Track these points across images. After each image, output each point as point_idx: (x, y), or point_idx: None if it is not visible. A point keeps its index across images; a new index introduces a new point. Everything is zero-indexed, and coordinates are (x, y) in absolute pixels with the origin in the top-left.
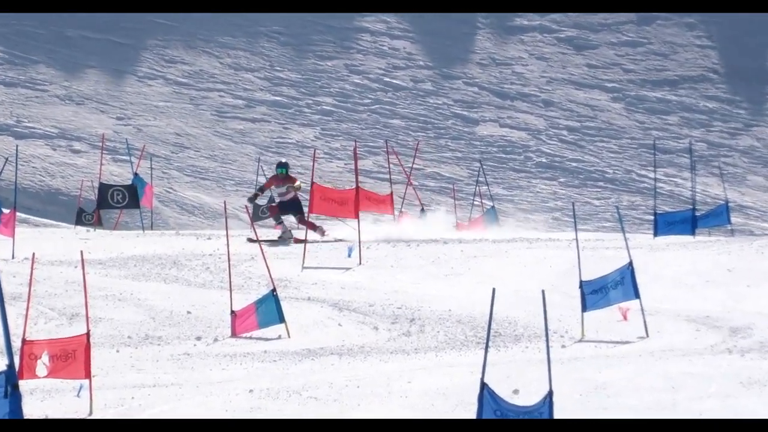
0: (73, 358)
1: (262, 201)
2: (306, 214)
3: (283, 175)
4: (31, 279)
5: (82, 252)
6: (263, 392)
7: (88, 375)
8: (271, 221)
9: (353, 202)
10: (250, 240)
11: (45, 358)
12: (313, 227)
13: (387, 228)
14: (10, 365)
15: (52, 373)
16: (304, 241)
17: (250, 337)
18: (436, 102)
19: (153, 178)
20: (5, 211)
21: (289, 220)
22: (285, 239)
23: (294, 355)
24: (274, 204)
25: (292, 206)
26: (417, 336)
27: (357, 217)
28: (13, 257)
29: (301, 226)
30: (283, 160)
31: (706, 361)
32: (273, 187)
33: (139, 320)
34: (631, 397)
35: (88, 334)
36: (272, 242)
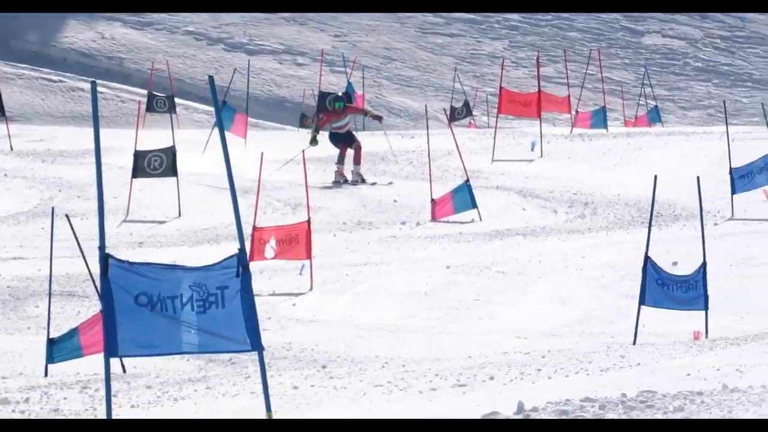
0: (296, 241)
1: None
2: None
3: (340, 109)
4: (260, 174)
5: (303, 151)
6: (458, 268)
7: (309, 256)
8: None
9: (536, 104)
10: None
11: (272, 242)
12: (358, 160)
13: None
14: (242, 249)
15: (279, 255)
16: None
17: (447, 221)
18: (606, 17)
19: (364, 86)
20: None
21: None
22: (340, 182)
23: (485, 236)
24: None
25: (346, 137)
26: (590, 218)
27: (539, 116)
28: (245, 155)
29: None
30: (340, 94)
31: None
32: (330, 122)
33: (353, 208)
34: None
35: (309, 221)
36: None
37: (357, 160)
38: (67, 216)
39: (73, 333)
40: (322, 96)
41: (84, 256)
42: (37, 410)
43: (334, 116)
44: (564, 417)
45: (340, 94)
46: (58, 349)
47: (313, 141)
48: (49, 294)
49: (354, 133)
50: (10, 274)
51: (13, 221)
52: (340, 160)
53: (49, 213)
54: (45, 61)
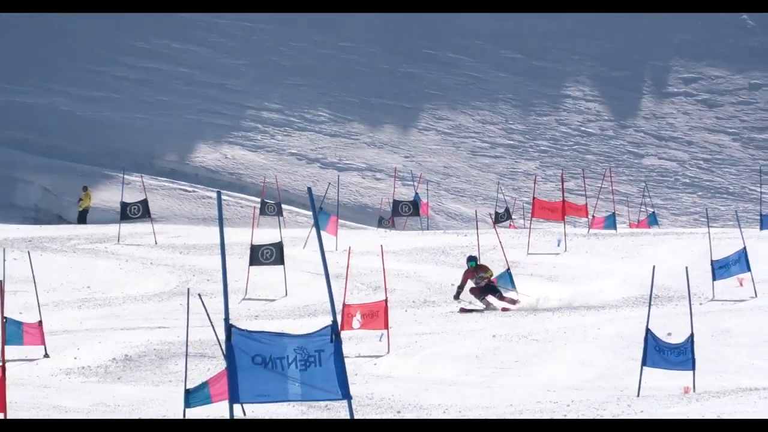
0: (376, 315)
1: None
2: (499, 294)
3: (473, 267)
4: (348, 263)
5: (381, 246)
6: (502, 337)
7: (386, 327)
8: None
9: (561, 210)
10: (463, 310)
11: (358, 316)
12: (510, 301)
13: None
14: (334, 321)
15: (363, 326)
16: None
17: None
18: (615, 143)
19: (428, 196)
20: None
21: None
22: (489, 308)
23: (522, 312)
24: (474, 287)
25: (489, 289)
26: (604, 297)
27: (563, 220)
28: (336, 249)
29: (501, 301)
30: (473, 255)
31: None
32: (470, 279)
33: (420, 290)
34: (746, 336)
35: (386, 300)
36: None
37: (502, 299)
38: (199, 295)
39: (204, 385)
40: (395, 203)
41: (213, 326)
42: None
43: (471, 274)
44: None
45: (472, 254)
46: (193, 397)
47: (457, 296)
48: (186, 355)
49: (497, 286)
50: (156, 339)
51: (158, 299)
52: (503, 297)
53: (185, 292)
54: (181, 175)
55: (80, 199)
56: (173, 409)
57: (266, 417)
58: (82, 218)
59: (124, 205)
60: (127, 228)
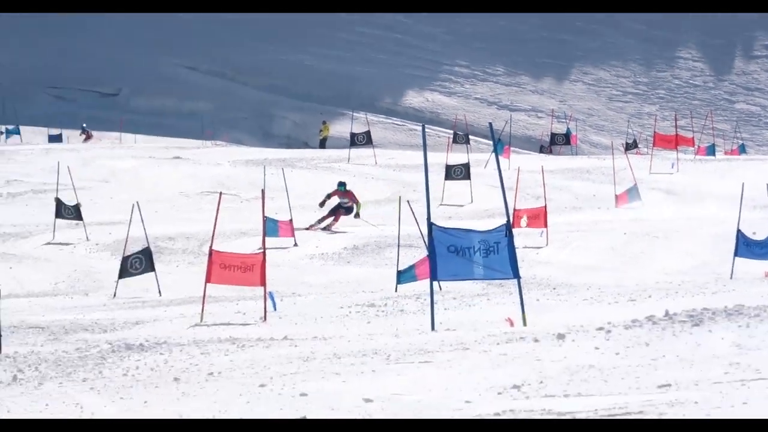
0: (538, 217)
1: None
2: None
3: (342, 191)
4: (517, 178)
5: (542, 166)
6: (631, 234)
7: (546, 226)
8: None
9: (675, 141)
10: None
11: (524, 218)
12: (335, 221)
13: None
14: (508, 221)
15: (529, 225)
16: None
17: (624, 209)
18: (714, 92)
19: (577, 129)
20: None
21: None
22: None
23: (646, 216)
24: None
25: (346, 209)
26: (706, 206)
27: (676, 148)
28: (509, 168)
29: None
30: (342, 180)
31: None
32: (337, 197)
33: (570, 199)
34: None
35: (545, 206)
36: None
37: (334, 222)
38: (408, 202)
39: (411, 267)
40: (552, 136)
41: (418, 224)
42: (390, 310)
43: (340, 195)
44: (692, 320)
45: (341, 180)
46: (403, 276)
47: (322, 204)
48: (398, 245)
49: (349, 209)
50: (375, 234)
51: (377, 204)
52: (321, 220)
53: (397, 200)
54: (394, 113)
55: (321, 130)
56: (389, 285)
57: (452, 287)
58: (322, 144)
59: (353, 135)
60: (355, 152)
